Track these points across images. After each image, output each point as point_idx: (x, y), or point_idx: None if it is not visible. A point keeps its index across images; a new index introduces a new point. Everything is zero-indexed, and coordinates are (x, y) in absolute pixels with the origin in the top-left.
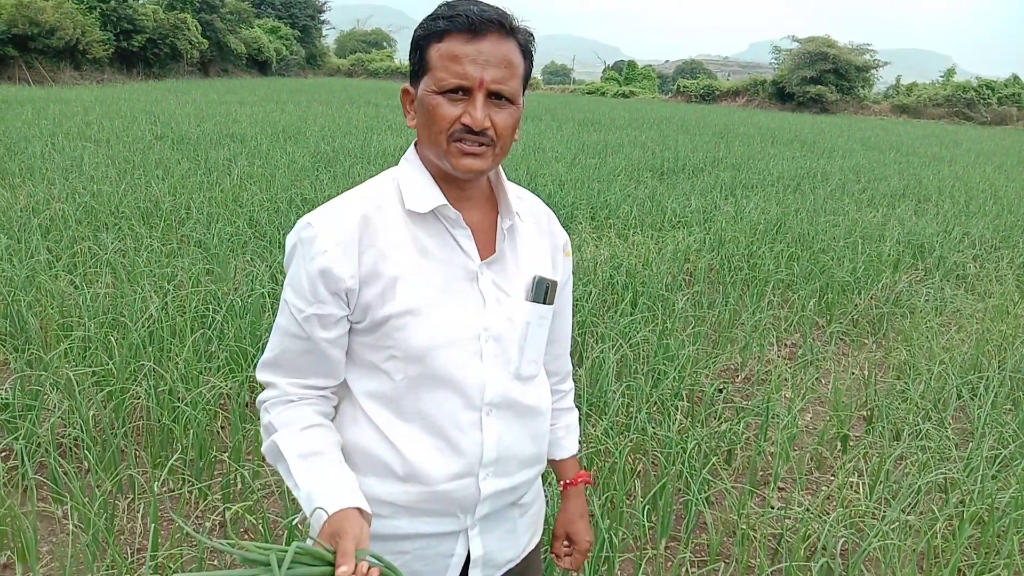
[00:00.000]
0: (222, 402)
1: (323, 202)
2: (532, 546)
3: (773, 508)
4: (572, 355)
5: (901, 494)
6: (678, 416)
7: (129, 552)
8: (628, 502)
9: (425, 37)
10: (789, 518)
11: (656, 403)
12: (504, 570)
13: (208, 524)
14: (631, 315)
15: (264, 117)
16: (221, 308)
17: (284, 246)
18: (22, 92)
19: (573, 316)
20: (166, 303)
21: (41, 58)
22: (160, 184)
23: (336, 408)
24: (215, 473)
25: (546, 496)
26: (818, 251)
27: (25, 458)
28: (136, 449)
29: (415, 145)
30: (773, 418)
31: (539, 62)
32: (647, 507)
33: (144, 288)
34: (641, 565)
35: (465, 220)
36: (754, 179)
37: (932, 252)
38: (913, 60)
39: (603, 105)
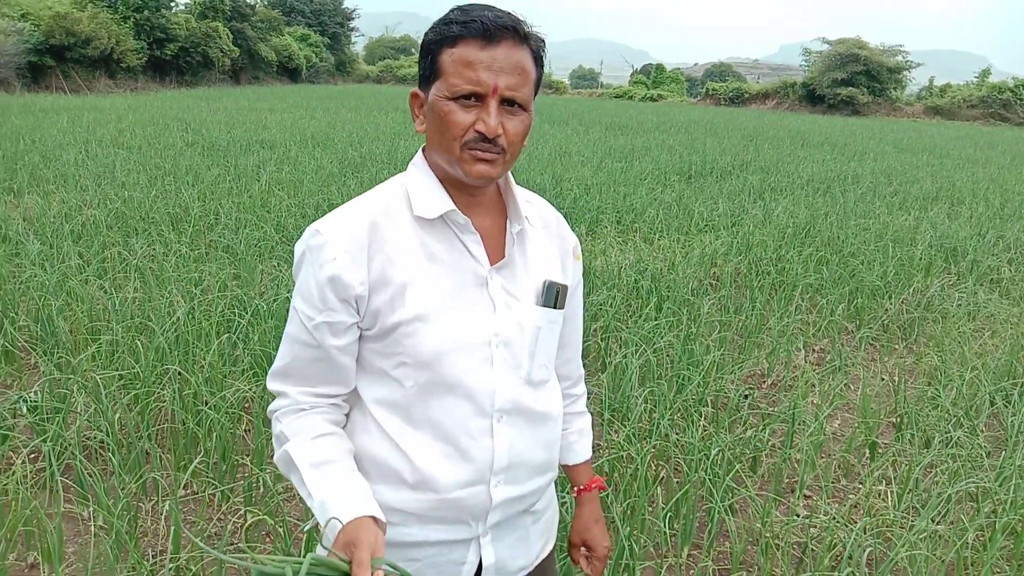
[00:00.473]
0: (246, 405)
1: None
2: (545, 553)
3: (798, 516)
4: (595, 360)
5: (931, 503)
6: (702, 422)
7: (151, 554)
8: (650, 509)
9: (437, 42)
10: (814, 527)
11: (680, 409)
12: None
13: (229, 527)
14: (655, 320)
15: (293, 124)
16: (247, 312)
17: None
18: (59, 101)
19: (597, 321)
20: (192, 307)
21: (77, 67)
22: (190, 190)
23: (347, 416)
24: (237, 476)
25: (559, 502)
26: (848, 255)
27: (52, 460)
28: (161, 452)
29: (423, 150)
30: (800, 425)
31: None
32: (669, 514)
33: (172, 292)
34: (662, 573)
35: (474, 225)
36: (783, 182)
37: (965, 256)
38: (947, 61)
39: (631, 109)
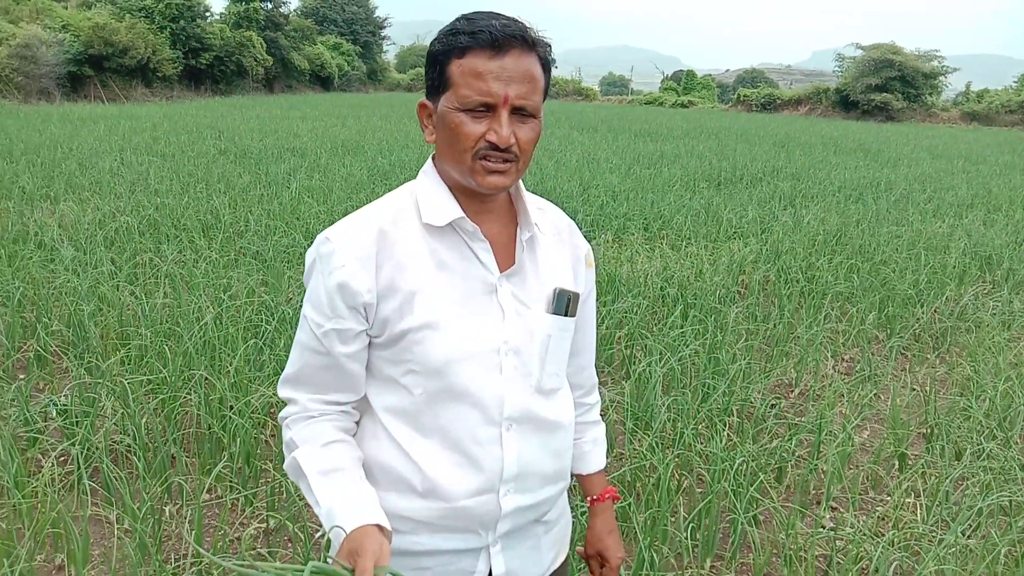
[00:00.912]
0: (271, 411)
1: None
2: (558, 564)
3: (823, 528)
4: (619, 368)
5: (961, 516)
6: (726, 432)
7: (174, 558)
8: (672, 519)
9: (445, 52)
10: (840, 539)
11: (704, 419)
12: None
13: (252, 531)
14: (681, 328)
15: (324, 132)
16: (273, 319)
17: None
18: (96, 110)
19: (622, 328)
20: (220, 313)
21: (115, 77)
22: (221, 197)
23: (358, 423)
24: (260, 481)
25: (575, 511)
26: (879, 263)
27: (80, 463)
28: (186, 456)
29: (433, 158)
30: (827, 435)
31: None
32: (691, 525)
33: (200, 298)
34: None
35: (484, 233)
36: (814, 189)
37: (1001, 264)
38: (985, 65)
39: (661, 115)
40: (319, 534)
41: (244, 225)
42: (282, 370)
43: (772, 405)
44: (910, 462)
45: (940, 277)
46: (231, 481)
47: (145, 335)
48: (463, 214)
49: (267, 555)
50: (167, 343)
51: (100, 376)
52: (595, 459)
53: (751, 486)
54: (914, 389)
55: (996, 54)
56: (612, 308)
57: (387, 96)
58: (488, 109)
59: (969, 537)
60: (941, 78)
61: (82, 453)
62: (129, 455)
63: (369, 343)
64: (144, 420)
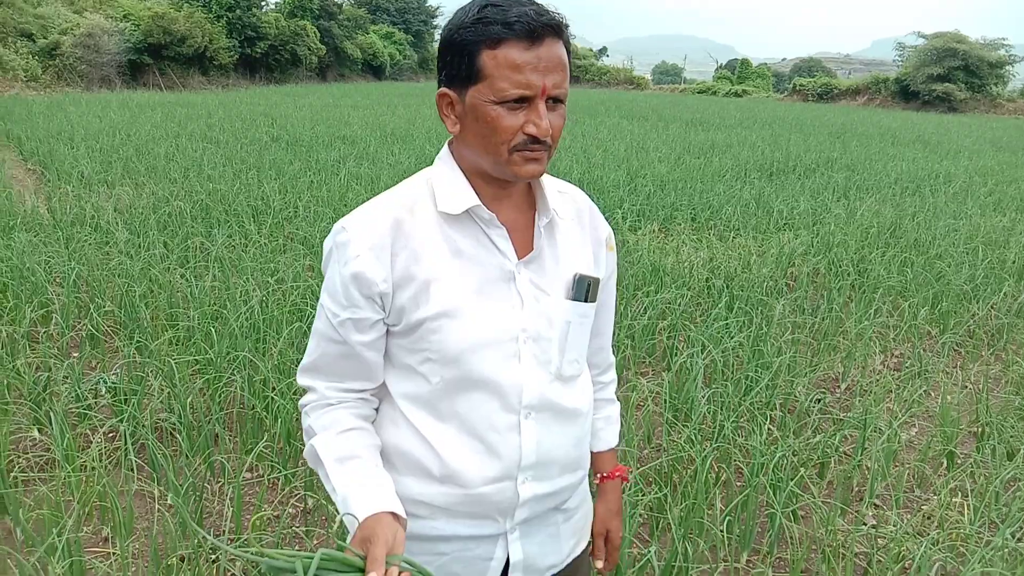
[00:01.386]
0: None
1: None
2: (578, 552)
3: (865, 525)
4: (660, 359)
5: (1011, 518)
6: (767, 426)
7: (213, 534)
8: (708, 513)
9: (475, 42)
10: (882, 537)
11: (746, 412)
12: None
13: (290, 510)
14: (725, 320)
15: (374, 120)
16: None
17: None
18: (154, 97)
19: (665, 319)
20: (266, 296)
21: (173, 65)
22: (271, 183)
23: (377, 409)
24: (300, 461)
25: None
26: (934, 256)
27: (128, 439)
28: (230, 435)
29: (449, 144)
30: (873, 431)
31: (649, 62)
32: (728, 518)
33: (248, 282)
34: None
35: (502, 219)
36: (870, 181)
37: None
38: None
39: (713, 104)
40: (337, 521)
41: (293, 211)
42: None
43: (817, 400)
44: (959, 461)
45: (998, 273)
46: (272, 460)
47: (193, 317)
48: (479, 202)
49: (303, 534)
50: (214, 325)
51: (148, 356)
52: (608, 437)
53: (791, 481)
54: (966, 387)
55: None
56: (656, 299)
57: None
58: (524, 100)
59: (1019, 540)
60: (1008, 67)
61: (129, 430)
62: (174, 433)
63: (387, 331)
64: (189, 399)
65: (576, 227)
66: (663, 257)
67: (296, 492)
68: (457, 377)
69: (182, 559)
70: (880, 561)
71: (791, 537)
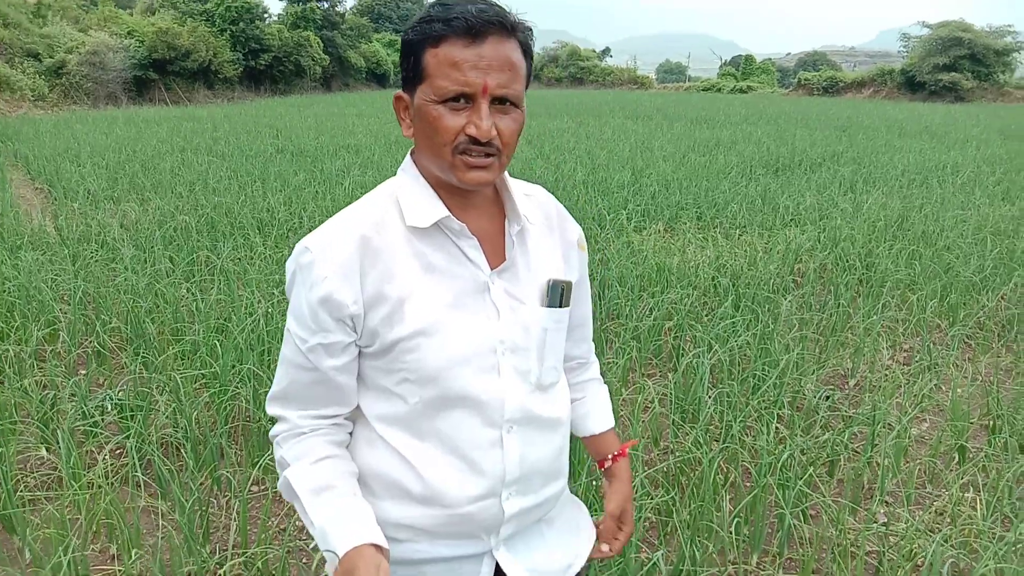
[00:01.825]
0: None
1: None
2: (579, 565)
3: (876, 523)
4: (667, 361)
5: None
6: (775, 424)
7: (219, 549)
8: (717, 514)
9: (419, 42)
10: (893, 534)
11: (753, 412)
12: None
13: (296, 523)
14: (732, 318)
15: (379, 129)
16: None
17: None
18: (160, 112)
19: (671, 319)
20: (270, 308)
21: (178, 79)
22: (276, 195)
23: (351, 433)
24: None
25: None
26: (942, 248)
27: (134, 456)
28: (235, 449)
29: (412, 154)
30: (883, 427)
31: (653, 60)
32: (736, 519)
33: (253, 294)
34: None
35: (471, 229)
36: (876, 173)
37: None
38: None
39: (718, 101)
40: (316, 559)
41: (298, 222)
42: None
43: (826, 397)
44: (970, 455)
45: (1008, 263)
46: (277, 473)
47: (198, 331)
48: (448, 213)
49: (308, 548)
50: (219, 339)
51: (155, 371)
52: (604, 416)
53: (800, 480)
54: (977, 379)
55: None
56: (661, 299)
57: None
58: (467, 100)
59: None
60: (1015, 55)
61: (135, 446)
62: (180, 448)
63: (359, 353)
64: (195, 414)
65: (546, 231)
66: (668, 257)
67: None
68: (436, 396)
69: (189, 575)
70: (892, 559)
71: (801, 537)
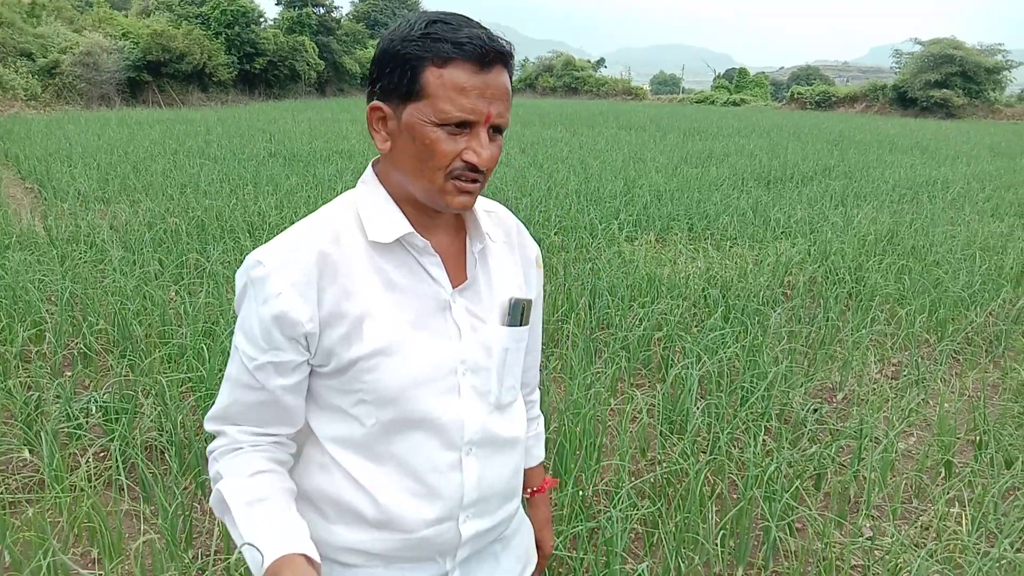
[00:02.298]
0: None
1: None
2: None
3: (861, 537)
4: (656, 371)
5: (1008, 528)
6: (763, 437)
7: (201, 555)
8: (703, 526)
9: (420, 58)
10: (879, 549)
11: (741, 424)
12: None
13: None
14: (721, 330)
15: None
16: None
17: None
18: (153, 114)
19: (660, 330)
20: None
21: (172, 82)
22: (268, 199)
23: (293, 454)
24: None
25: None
26: (931, 263)
27: (118, 459)
28: None
29: (374, 165)
30: (870, 441)
31: (647, 72)
32: (723, 532)
33: None
34: None
35: (433, 246)
36: (867, 188)
37: None
38: None
39: (711, 114)
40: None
41: (289, 225)
42: None
43: (814, 410)
44: (956, 470)
45: (996, 279)
46: None
47: (185, 334)
48: (412, 229)
49: None
50: (206, 342)
51: (141, 374)
52: (537, 452)
53: (787, 493)
54: (964, 395)
55: None
56: (651, 310)
57: None
58: (466, 126)
59: (1018, 550)
60: (1005, 73)
61: (119, 449)
62: (164, 452)
63: (311, 372)
64: (180, 418)
65: (506, 249)
66: (659, 267)
67: None
68: (394, 418)
69: None
70: (877, 574)
71: (787, 550)
